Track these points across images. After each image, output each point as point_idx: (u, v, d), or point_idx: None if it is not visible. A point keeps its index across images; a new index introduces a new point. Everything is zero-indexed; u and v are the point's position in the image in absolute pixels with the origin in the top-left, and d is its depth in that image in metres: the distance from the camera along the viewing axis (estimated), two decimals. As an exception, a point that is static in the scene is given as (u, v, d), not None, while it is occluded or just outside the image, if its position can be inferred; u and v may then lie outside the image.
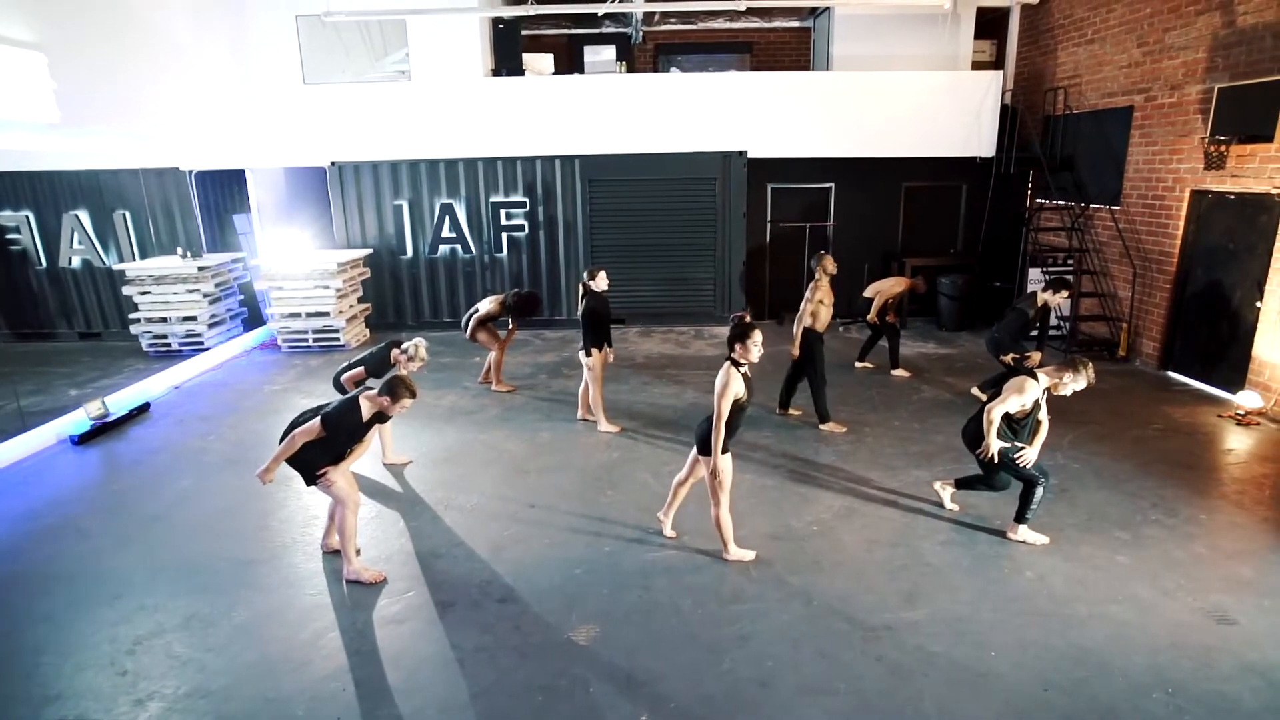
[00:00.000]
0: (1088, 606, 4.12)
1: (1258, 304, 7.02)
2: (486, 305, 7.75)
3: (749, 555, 4.63)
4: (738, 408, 4.25)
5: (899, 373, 8.29)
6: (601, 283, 6.50)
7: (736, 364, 4.23)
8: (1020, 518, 4.77)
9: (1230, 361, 7.38)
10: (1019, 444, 4.67)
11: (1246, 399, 6.85)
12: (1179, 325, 8.11)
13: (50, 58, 7.59)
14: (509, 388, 7.97)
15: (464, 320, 7.86)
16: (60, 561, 4.77)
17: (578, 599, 4.26)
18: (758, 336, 4.24)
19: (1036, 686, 3.53)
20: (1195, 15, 7.59)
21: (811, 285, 6.68)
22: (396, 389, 4.25)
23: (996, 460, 4.64)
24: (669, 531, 4.90)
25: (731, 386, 4.17)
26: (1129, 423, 6.81)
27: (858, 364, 8.55)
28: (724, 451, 4.32)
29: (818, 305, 6.59)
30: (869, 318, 8.11)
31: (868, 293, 8.20)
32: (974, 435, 4.78)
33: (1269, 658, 3.70)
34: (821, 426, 6.69)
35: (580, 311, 6.54)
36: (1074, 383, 4.57)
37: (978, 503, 5.25)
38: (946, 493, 5.23)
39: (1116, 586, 4.30)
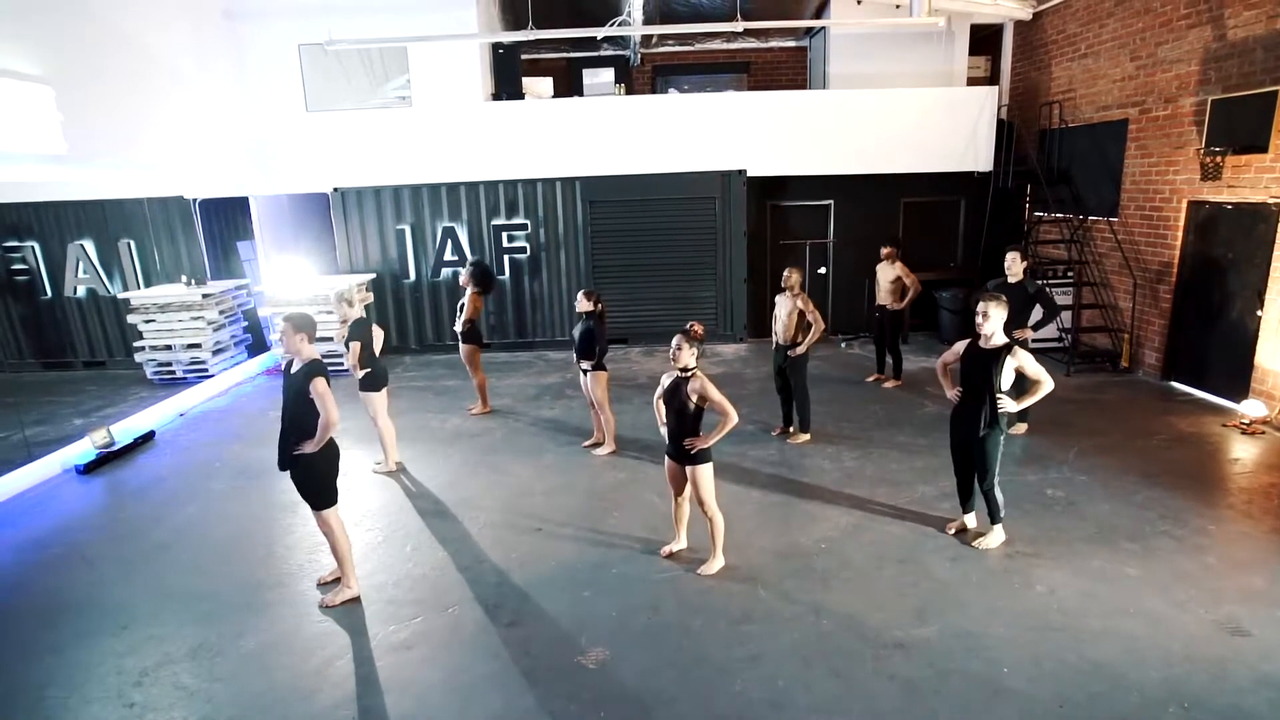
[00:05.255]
0: (1100, 620, 4.09)
1: (1258, 313, 7.03)
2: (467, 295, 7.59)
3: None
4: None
5: (884, 380, 8.51)
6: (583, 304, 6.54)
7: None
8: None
9: (1232, 371, 7.37)
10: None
11: (1250, 408, 6.84)
12: (1180, 335, 8.12)
13: (56, 90, 7.69)
14: (485, 409, 7.95)
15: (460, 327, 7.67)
16: (66, 592, 4.76)
17: (586, 621, 4.24)
18: (683, 350, 4.41)
19: (1052, 703, 3.50)
20: (1186, 29, 7.68)
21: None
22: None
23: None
24: (681, 545, 4.90)
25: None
26: (1134, 434, 6.80)
27: (889, 384, 8.51)
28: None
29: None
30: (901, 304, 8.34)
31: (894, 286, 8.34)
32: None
33: (1284, 670, 3.67)
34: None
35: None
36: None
37: (986, 519, 5.22)
38: (971, 523, 5.12)
39: (1128, 599, 4.28)
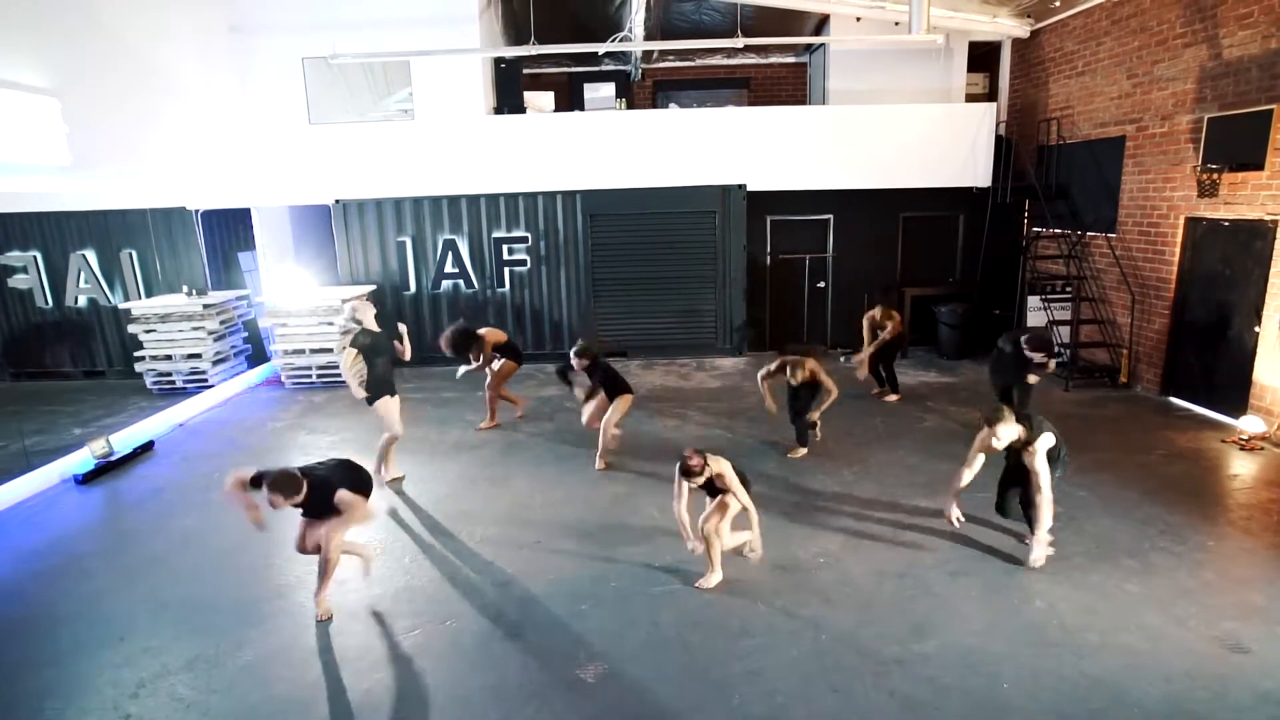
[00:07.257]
0: (1099, 636, 4.09)
1: (1256, 328, 7.06)
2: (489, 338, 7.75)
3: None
4: None
5: (885, 395, 8.55)
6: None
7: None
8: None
9: (1231, 386, 7.39)
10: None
11: (1249, 424, 6.85)
12: (1179, 351, 8.14)
13: (62, 102, 7.76)
14: (493, 423, 8.00)
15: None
16: (64, 603, 4.74)
17: (585, 635, 4.24)
18: (689, 480, 4.57)
19: (1052, 718, 3.49)
20: (1183, 48, 7.75)
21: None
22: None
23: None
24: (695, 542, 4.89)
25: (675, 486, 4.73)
26: (1133, 449, 6.81)
27: (889, 399, 8.53)
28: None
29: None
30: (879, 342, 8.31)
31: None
32: None
33: (1285, 687, 3.66)
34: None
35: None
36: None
37: (984, 532, 5.23)
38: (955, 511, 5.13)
39: (1127, 615, 4.28)
